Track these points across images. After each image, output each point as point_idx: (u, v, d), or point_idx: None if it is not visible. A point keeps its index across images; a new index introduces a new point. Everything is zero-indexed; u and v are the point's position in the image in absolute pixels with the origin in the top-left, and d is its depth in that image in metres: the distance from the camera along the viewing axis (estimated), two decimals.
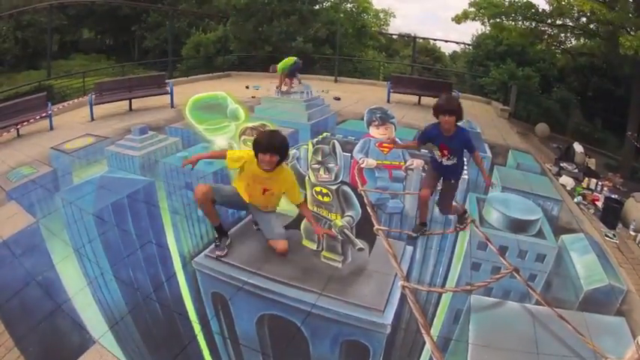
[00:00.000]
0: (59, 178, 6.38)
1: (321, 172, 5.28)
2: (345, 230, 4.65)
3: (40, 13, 20.61)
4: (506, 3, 12.74)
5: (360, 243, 4.49)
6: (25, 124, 8.80)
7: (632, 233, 6.07)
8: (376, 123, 6.80)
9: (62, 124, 9.49)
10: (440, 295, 3.99)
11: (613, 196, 7.18)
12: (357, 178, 6.02)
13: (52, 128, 9.13)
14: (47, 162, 7.00)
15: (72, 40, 26.50)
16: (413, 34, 23.70)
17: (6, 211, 5.37)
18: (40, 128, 9.15)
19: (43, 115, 9.19)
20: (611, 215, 6.41)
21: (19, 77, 19.70)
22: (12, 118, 8.72)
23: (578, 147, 9.54)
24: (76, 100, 11.83)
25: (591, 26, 12.08)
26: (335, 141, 6.03)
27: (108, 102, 10.51)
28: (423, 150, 7.42)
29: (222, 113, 9.04)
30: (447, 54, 28.99)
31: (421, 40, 25.95)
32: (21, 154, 7.41)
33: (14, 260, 4.36)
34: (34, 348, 3.31)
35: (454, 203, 4.90)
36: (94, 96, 10.17)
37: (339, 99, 12.14)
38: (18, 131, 8.73)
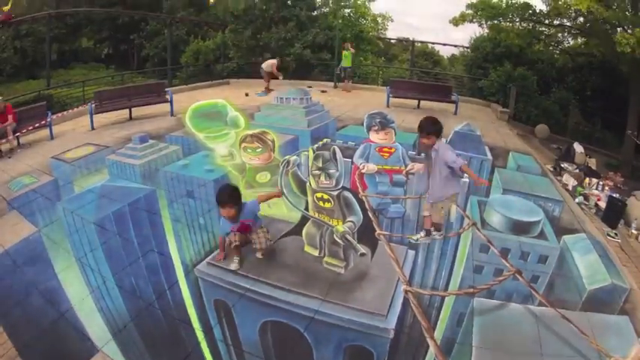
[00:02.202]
0: (60, 187, 6.39)
1: (322, 178, 5.27)
2: (347, 236, 4.65)
3: (38, 23, 20.72)
4: (503, 4, 12.80)
5: (362, 248, 4.49)
6: (24, 131, 8.83)
7: (634, 232, 6.07)
8: (376, 128, 6.76)
9: (62, 133, 9.53)
10: (443, 298, 3.98)
11: (615, 195, 7.17)
12: (357, 183, 6.01)
13: (52, 137, 9.15)
14: (48, 171, 7.02)
15: (71, 49, 26.58)
16: (411, 39, 23.79)
17: (7, 221, 5.38)
18: (40, 137, 9.18)
19: (43, 123, 9.22)
20: (614, 214, 6.42)
21: (19, 87, 19.76)
22: None
23: (578, 147, 9.53)
24: (75, 109, 11.88)
25: (588, 25, 12.12)
26: (335, 147, 6.03)
27: (108, 111, 10.55)
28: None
29: (221, 121, 9.07)
30: (445, 57, 29.15)
31: (419, 44, 26.05)
32: (22, 163, 7.43)
33: (16, 269, 4.36)
34: (37, 357, 3.31)
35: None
36: (93, 105, 10.20)
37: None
38: (19, 141, 8.76)
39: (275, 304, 3.76)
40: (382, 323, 3.57)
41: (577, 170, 8.55)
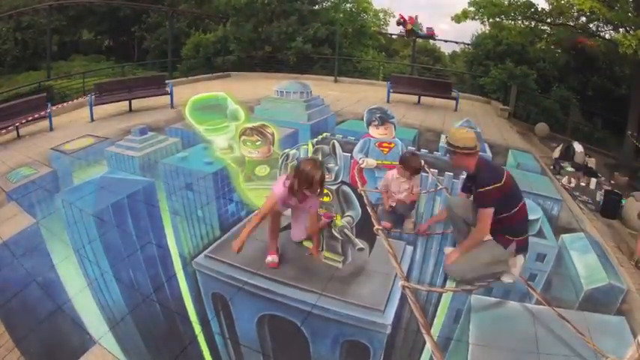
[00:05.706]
0: (59, 178, 6.37)
1: None
2: (345, 230, 4.65)
3: (39, 14, 20.65)
4: (506, 2, 12.76)
5: (360, 243, 4.50)
6: (24, 122, 8.81)
7: (633, 232, 6.07)
8: (376, 123, 6.80)
9: (62, 124, 9.50)
10: (440, 295, 3.98)
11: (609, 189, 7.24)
12: (357, 178, 6.02)
13: (52, 129, 9.12)
14: (47, 163, 7.00)
15: (72, 40, 26.55)
16: None
17: (6, 212, 5.37)
18: (40, 129, 9.15)
19: (42, 114, 9.19)
20: (611, 208, 6.49)
21: (19, 78, 19.76)
22: (11, 118, 8.72)
23: (578, 146, 9.52)
24: (75, 101, 11.85)
25: (591, 26, 12.10)
26: (335, 141, 6.03)
27: (108, 102, 10.51)
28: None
29: (221, 114, 9.06)
30: (446, 54, 29.07)
31: (421, 40, 25.94)
32: (21, 154, 7.40)
33: (14, 261, 4.36)
34: (34, 349, 3.31)
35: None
36: (93, 96, 10.17)
37: None
38: (18, 132, 8.73)
39: (272, 297, 3.76)
40: (379, 318, 3.57)
41: (576, 169, 8.55)
